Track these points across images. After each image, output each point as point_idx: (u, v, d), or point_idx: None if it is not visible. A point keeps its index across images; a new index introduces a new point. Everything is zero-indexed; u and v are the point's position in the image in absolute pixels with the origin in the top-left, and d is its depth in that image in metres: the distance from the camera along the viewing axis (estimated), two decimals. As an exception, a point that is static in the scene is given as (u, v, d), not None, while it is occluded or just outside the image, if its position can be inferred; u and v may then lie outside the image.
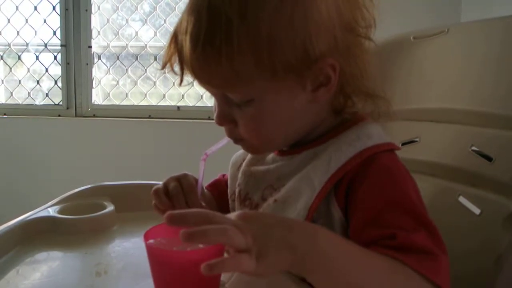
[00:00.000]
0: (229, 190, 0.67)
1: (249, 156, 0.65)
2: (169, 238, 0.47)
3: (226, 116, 0.55)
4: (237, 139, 0.58)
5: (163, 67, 0.56)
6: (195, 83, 0.55)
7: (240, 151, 0.69)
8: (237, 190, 0.64)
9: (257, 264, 0.38)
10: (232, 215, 0.41)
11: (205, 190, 0.71)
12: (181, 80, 0.55)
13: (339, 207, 0.52)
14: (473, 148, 0.65)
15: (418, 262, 0.44)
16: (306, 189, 0.53)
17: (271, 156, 0.62)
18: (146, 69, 2.13)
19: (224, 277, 0.53)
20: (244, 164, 0.65)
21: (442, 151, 0.71)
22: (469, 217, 0.62)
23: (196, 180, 0.64)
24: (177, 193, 0.61)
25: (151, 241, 0.48)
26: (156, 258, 0.45)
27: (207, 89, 0.55)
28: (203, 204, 0.62)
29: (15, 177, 2.10)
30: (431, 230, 0.48)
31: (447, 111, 0.72)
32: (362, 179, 0.51)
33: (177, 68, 0.55)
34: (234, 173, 0.67)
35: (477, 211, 0.62)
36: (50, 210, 0.75)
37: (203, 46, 0.49)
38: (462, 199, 0.64)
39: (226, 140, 0.60)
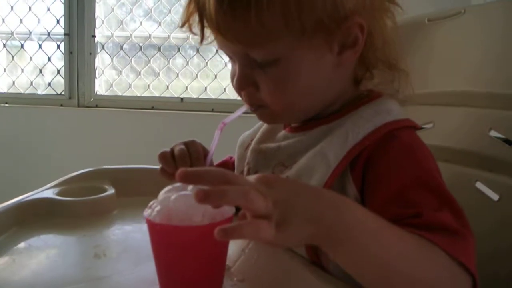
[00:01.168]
0: (236, 171, 0.64)
1: (258, 134, 0.63)
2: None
3: (247, 78, 0.52)
4: (256, 106, 0.55)
5: (182, 25, 0.54)
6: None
7: (248, 132, 0.67)
8: (245, 169, 0.61)
9: (276, 232, 0.35)
10: (252, 178, 0.37)
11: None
12: (202, 39, 0.53)
13: (354, 184, 0.49)
14: (492, 132, 0.62)
15: (446, 241, 0.41)
16: (321, 165, 0.50)
17: (282, 133, 0.59)
18: (150, 60, 2.10)
19: (229, 261, 0.51)
20: (253, 142, 0.62)
21: (458, 135, 0.68)
22: (487, 203, 0.60)
23: (204, 148, 0.61)
24: (183, 156, 0.59)
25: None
26: (157, 233, 0.42)
27: (229, 49, 0.53)
28: None
29: (16, 167, 2.08)
30: (456, 210, 0.45)
31: (464, 94, 0.68)
32: (382, 155, 0.48)
33: (196, 29, 0.53)
34: (241, 153, 0.64)
35: (495, 196, 0.59)
36: (48, 192, 0.72)
37: (230, 1, 0.47)
38: (479, 185, 0.61)
39: (243, 108, 0.57)
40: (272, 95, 0.52)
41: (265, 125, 0.64)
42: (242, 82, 0.53)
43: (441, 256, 0.40)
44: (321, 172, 0.49)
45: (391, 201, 0.45)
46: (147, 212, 0.44)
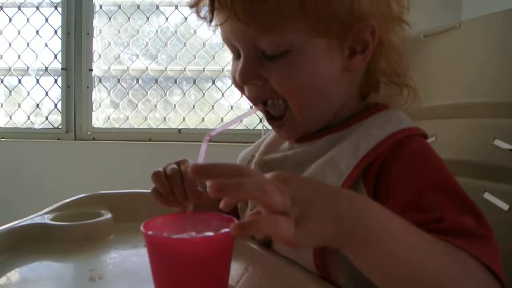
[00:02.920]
0: None
1: (261, 147, 0.62)
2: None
3: (253, 70, 0.51)
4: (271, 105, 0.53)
5: (192, 7, 0.53)
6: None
7: (248, 148, 0.65)
8: None
9: (295, 229, 0.32)
10: (267, 175, 0.35)
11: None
12: (211, 19, 0.51)
13: (367, 193, 0.47)
14: (496, 141, 0.61)
15: (472, 245, 0.39)
16: (332, 174, 0.48)
17: (287, 144, 0.58)
18: (147, 93, 2.11)
19: (232, 280, 0.48)
20: (257, 155, 0.61)
21: (461, 147, 0.66)
22: (497, 214, 0.58)
23: None
24: (174, 173, 0.56)
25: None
26: (157, 247, 0.40)
27: (238, 36, 0.51)
28: (200, 189, 0.55)
29: (14, 201, 2.04)
30: (477, 214, 0.43)
31: (464, 106, 0.68)
32: (395, 162, 0.47)
33: (203, 13, 0.52)
34: None
35: (505, 206, 0.57)
36: (42, 218, 0.70)
37: None
38: (488, 196, 0.59)
39: (232, 122, 0.56)
40: (283, 84, 0.51)
41: (268, 138, 0.63)
42: (247, 74, 0.51)
43: (469, 261, 0.38)
44: (332, 181, 0.48)
45: (410, 207, 0.43)
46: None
